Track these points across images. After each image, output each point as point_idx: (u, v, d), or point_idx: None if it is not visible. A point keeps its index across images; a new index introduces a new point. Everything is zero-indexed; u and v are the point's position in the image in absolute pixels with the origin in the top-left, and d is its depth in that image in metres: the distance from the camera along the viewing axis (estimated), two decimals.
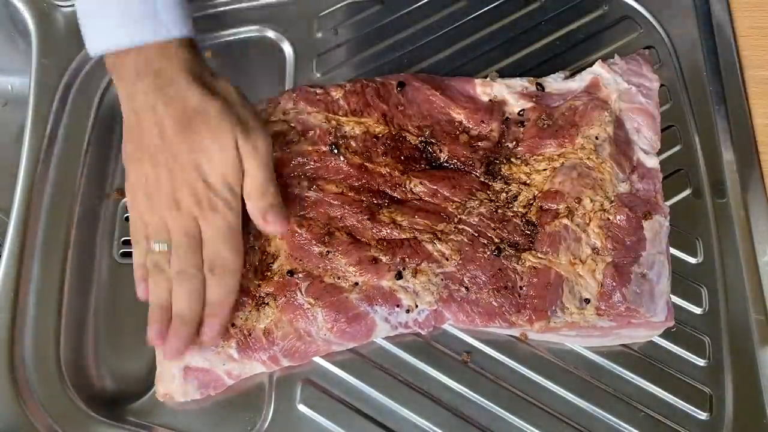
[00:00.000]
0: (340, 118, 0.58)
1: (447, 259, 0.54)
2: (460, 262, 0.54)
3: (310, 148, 0.57)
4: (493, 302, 0.53)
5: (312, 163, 0.57)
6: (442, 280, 0.54)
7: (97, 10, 0.48)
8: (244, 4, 0.69)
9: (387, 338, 0.56)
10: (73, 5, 0.67)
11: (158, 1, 0.47)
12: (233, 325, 0.53)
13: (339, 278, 0.54)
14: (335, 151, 0.57)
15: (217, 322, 0.51)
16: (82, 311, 0.58)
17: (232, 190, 0.49)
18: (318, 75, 0.66)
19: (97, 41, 0.48)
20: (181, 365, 0.52)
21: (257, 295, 0.53)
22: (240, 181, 0.50)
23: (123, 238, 0.62)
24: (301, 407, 0.54)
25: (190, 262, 0.49)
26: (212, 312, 0.50)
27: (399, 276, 0.53)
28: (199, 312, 0.50)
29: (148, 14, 0.47)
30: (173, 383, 0.53)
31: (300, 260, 0.54)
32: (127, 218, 0.62)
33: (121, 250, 0.61)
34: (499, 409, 0.55)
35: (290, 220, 0.54)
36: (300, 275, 0.54)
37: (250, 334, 0.53)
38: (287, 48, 0.68)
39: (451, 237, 0.55)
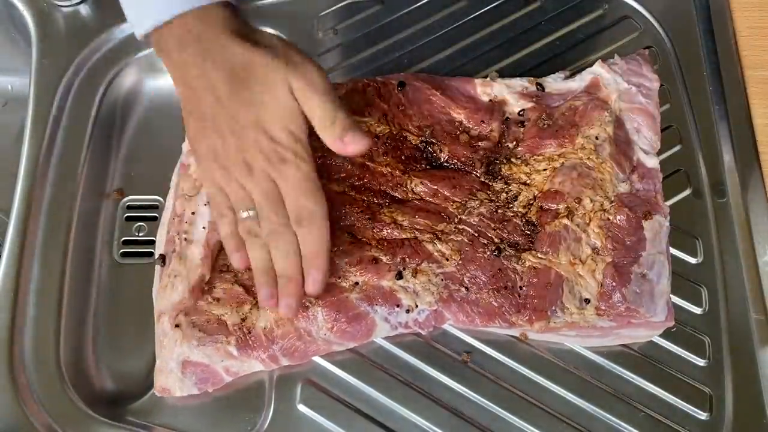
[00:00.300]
0: None
1: (447, 259, 0.54)
2: (460, 262, 0.54)
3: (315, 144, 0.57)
4: (493, 302, 0.53)
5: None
6: (442, 280, 0.54)
7: None
8: (244, 4, 0.69)
9: (387, 338, 0.56)
10: (73, 5, 0.67)
11: None
12: (234, 323, 0.53)
13: (339, 278, 0.54)
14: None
15: (319, 272, 0.50)
16: (82, 311, 0.58)
17: (297, 138, 0.48)
18: None
19: (141, 21, 0.48)
20: (180, 359, 0.52)
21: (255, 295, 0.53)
22: (304, 126, 0.49)
23: (123, 238, 0.62)
24: (301, 407, 0.54)
25: (277, 220, 0.49)
26: (310, 264, 0.50)
27: (399, 276, 0.53)
28: (300, 266, 0.50)
29: None
30: (171, 377, 0.53)
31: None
32: (127, 218, 0.62)
33: (121, 250, 0.61)
34: (499, 409, 0.55)
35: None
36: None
37: (249, 332, 0.53)
38: None
39: (452, 237, 0.55)
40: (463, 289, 0.54)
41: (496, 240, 0.55)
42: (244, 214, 0.50)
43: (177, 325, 0.52)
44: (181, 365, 0.52)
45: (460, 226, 0.55)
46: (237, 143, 0.48)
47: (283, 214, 0.49)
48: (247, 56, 0.47)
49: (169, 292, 0.54)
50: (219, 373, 0.53)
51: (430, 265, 0.54)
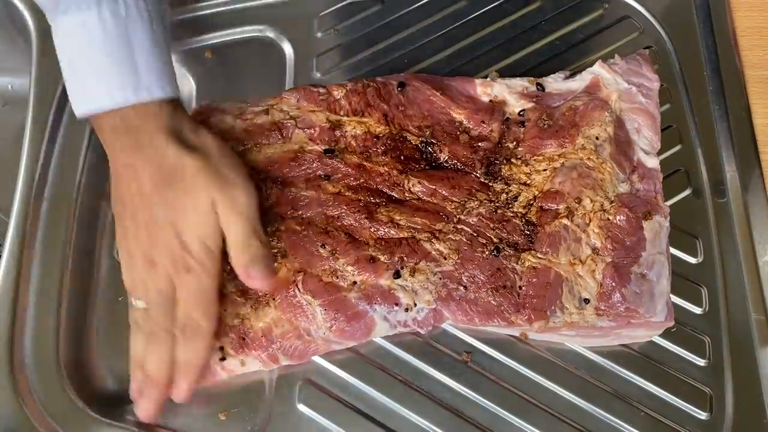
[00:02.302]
0: (341, 117, 0.58)
1: (445, 258, 0.54)
2: (459, 261, 0.54)
3: (309, 148, 0.57)
4: (492, 301, 0.53)
5: (311, 162, 0.57)
6: (440, 279, 0.54)
7: (79, 75, 0.48)
8: (244, 4, 0.69)
9: (386, 338, 0.56)
10: None
11: (139, 63, 0.47)
12: (233, 326, 0.53)
13: (338, 277, 0.54)
14: (334, 150, 0.57)
15: (186, 383, 0.50)
16: (82, 311, 0.58)
17: (208, 250, 0.48)
18: (318, 75, 0.66)
19: (81, 104, 0.48)
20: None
21: (255, 295, 0.53)
22: (218, 241, 0.49)
23: None
24: (301, 407, 0.54)
25: (161, 323, 0.49)
26: (181, 373, 0.50)
27: (397, 275, 0.53)
28: (168, 373, 0.49)
29: (129, 76, 0.47)
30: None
31: (298, 259, 0.54)
32: None
33: None
34: (499, 409, 0.55)
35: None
36: (298, 274, 0.53)
37: (247, 334, 0.53)
38: (287, 48, 0.68)
39: (450, 236, 0.55)
40: (461, 288, 0.54)
41: (495, 240, 0.55)
42: (136, 303, 0.50)
43: None
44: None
45: (459, 226, 0.55)
46: (148, 238, 0.48)
47: (171, 318, 0.49)
48: (179, 160, 0.48)
49: None
50: (215, 369, 0.53)
51: (428, 264, 0.54)
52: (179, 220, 0.48)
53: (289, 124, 0.58)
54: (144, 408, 0.50)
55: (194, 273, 0.48)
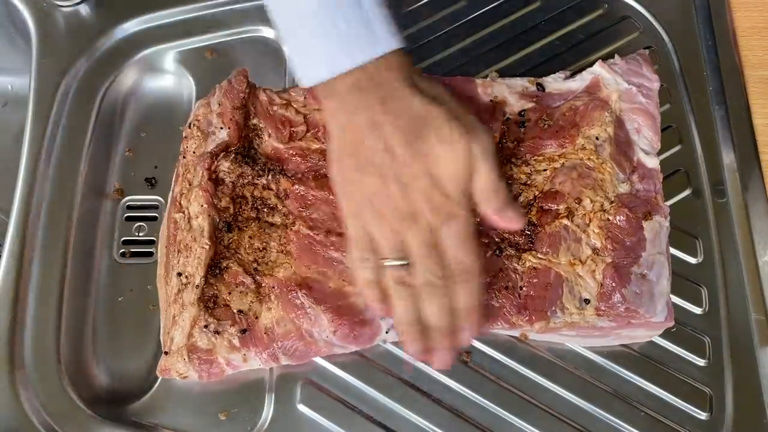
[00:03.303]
0: None
1: None
2: None
3: (315, 146, 0.57)
4: (495, 303, 0.53)
5: (317, 160, 0.57)
6: None
7: (309, 41, 0.47)
8: (244, 4, 0.69)
9: None
10: (73, 5, 0.67)
11: (371, 19, 0.46)
12: (240, 311, 0.53)
13: (344, 282, 0.53)
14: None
15: (473, 328, 0.49)
16: (82, 311, 0.58)
17: (466, 194, 0.48)
18: None
19: (316, 70, 0.47)
20: (187, 343, 0.52)
21: (261, 284, 0.53)
22: (470, 186, 0.48)
23: (123, 238, 0.62)
24: (301, 407, 0.54)
25: (437, 273, 0.48)
26: (464, 319, 0.49)
27: None
28: (452, 321, 0.49)
29: (364, 33, 0.46)
30: (176, 358, 0.52)
31: (305, 262, 0.54)
32: (127, 218, 0.62)
33: (121, 250, 0.61)
34: (500, 410, 0.55)
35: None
36: (305, 278, 0.53)
37: (252, 325, 0.52)
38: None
39: None
40: None
41: (496, 239, 0.55)
42: (398, 262, 0.48)
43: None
44: (187, 349, 0.52)
45: None
46: (402, 191, 0.47)
47: (442, 267, 0.48)
48: (428, 110, 0.47)
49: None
50: (220, 363, 0.53)
51: None
52: (436, 169, 0.47)
53: (298, 120, 0.58)
54: (446, 361, 0.49)
55: (458, 218, 0.47)
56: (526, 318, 0.53)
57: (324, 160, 0.57)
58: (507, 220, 0.50)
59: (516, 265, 0.54)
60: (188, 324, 0.52)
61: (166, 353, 0.53)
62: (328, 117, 0.49)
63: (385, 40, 0.46)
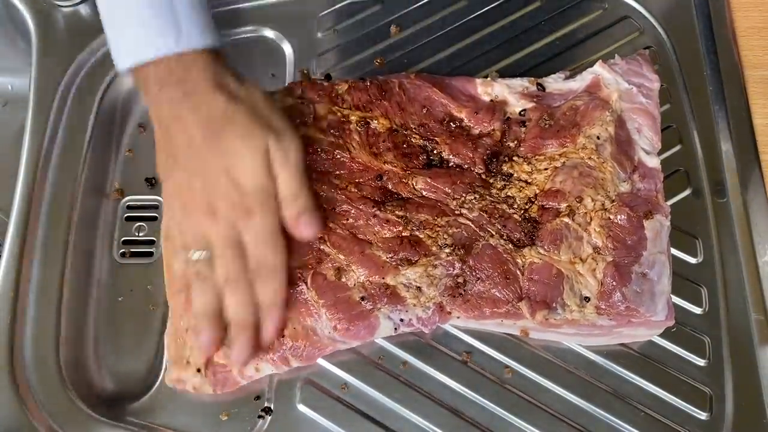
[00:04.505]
0: (344, 110, 0.58)
1: (448, 255, 0.54)
2: (462, 257, 0.54)
3: (320, 136, 0.57)
4: (497, 293, 0.53)
5: (318, 156, 0.57)
6: (443, 275, 0.54)
7: (120, 27, 0.49)
8: (244, 4, 0.69)
9: (387, 338, 0.56)
10: (73, 5, 0.67)
11: (180, 13, 0.48)
12: None
13: (342, 276, 0.54)
14: (341, 140, 0.57)
15: (274, 324, 0.50)
16: (82, 311, 0.58)
17: (266, 191, 0.49)
18: (318, 75, 0.66)
19: (123, 57, 0.49)
20: (204, 358, 0.52)
21: None
22: (273, 184, 0.49)
23: (123, 238, 0.62)
24: (301, 407, 0.54)
25: (236, 267, 0.49)
26: (266, 315, 0.50)
27: (401, 273, 0.53)
28: (256, 316, 0.50)
29: (169, 26, 0.47)
30: (190, 371, 0.52)
31: (303, 256, 0.54)
32: (127, 218, 0.62)
33: (121, 250, 0.61)
34: (499, 409, 0.55)
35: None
36: (304, 271, 0.53)
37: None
38: (287, 48, 0.68)
39: (453, 231, 0.55)
40: (465, 282, 0.53)
41: (497, 236, 0.55)
42: (197, 255, 0.49)
43: None
44: (204, 365, 0.52)
45: (461, 220, 0.55)
46: (204, 187, 0.48)
47: (243, 263, 0.49)
48: (229, 108, 0.48)
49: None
50: (235, 377, 0.53)
51: (431, 260, 0.54)
52: (234, 165, 0.48)
53: (302, 107, 0.58)
54: (243, 355, 0.50)
55: (257, 215, 0.48)
56: (528, 307, 0.53)
57: (323, 156, 0.57)
58: (301, 227, 0.50)
59: (517, 259, 0.54)
60: None
61: (176, 365, 0.53)
62: (149, 111, 0.50)
63: (190, 37, 0.48)
